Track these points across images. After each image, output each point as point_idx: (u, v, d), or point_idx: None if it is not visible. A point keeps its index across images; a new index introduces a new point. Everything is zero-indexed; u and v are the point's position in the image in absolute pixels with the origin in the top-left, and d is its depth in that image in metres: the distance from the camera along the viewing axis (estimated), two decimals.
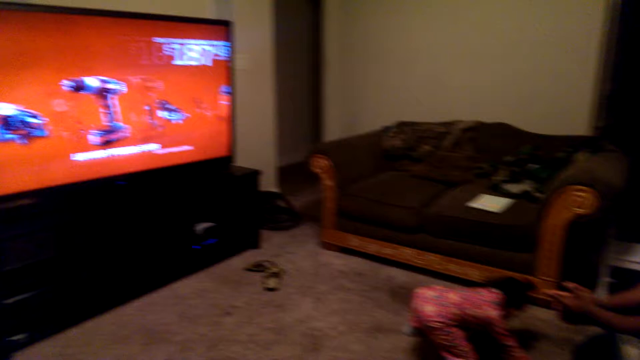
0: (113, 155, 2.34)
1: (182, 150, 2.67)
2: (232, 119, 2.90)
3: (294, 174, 5.03)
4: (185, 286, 2.58)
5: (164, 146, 2.57)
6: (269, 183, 3.98)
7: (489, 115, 3.34)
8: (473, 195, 2.60)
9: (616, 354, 1.18)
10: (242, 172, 2.97)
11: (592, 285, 2.35)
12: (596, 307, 1.38)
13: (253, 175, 2.98)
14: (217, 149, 2.87)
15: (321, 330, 2.14)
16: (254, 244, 3.09)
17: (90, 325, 2.21)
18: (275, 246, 3.13)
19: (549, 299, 1.53)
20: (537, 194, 2.42)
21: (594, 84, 3.11)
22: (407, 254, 2.68)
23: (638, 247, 2.46)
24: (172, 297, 2.47)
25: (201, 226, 2.73)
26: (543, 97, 3.26)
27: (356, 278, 2.66)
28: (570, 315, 1.42)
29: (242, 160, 3.21)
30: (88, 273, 2.24)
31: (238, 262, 2.89)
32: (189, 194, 2.67)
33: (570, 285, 1.49)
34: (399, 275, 2.66)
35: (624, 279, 2.25)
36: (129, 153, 2.41)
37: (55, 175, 2.14)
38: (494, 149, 3.09)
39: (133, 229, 2.40)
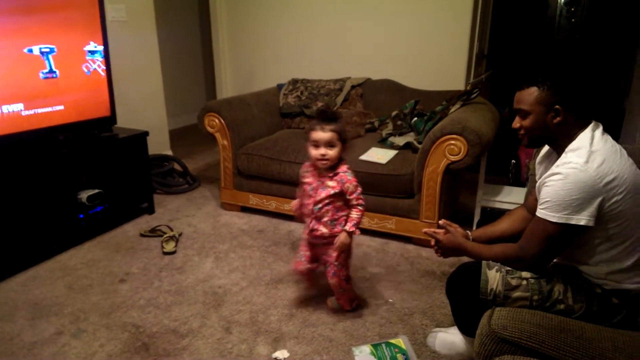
0: None
1: (52, 111, 2.43)
2: (109, 75, 2.69)
3: (190, 136, 4.87)
4: (73, 257, 2.43)
5: (29, 107, 2.31)
6: (162, 146, 3.81)
7: (376, 71, 3.49)
8: (363, 149, 2.73)
9: (479, 277, 1.36)
10: (128, 133, 2.80)
11: (467, 223, 2.65)
12: (465, 239, 1.57)
13: (140, 137, 2.82)
14: (94, 109, 2.65)
15: (223, 287, 2.17)
16: (148, 209, 2.97)
17: None
18: (172, 210, 3.05)
19: (425, 237, 1.69)
20: (418, 145, 2.62)
21: (469, 44, 3.38)
22: None
23: (504, 188, 2.81)
24: (59, 269, 2.31)
25: (85, 193, 2.55)
26: (424, 54, 3.48)
27: (257, 235, 2.70)
28: (444, 249, 1.59)
29: (130, 122, 3.02)
30: None
31: (132, 228, 2.77)
32: (68, 159, 2.46)
33: (442, 222, 1.66)
34: (299, 229, 2.76)
35: (492, 216, 2.57)
36: None
37: None
38: (381, 104, 3.27)
39: (6, 199, 2.18)
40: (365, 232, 2.64)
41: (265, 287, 2.16)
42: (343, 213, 1.82)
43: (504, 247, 1.43)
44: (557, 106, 1.30)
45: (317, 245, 1.88)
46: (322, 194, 1.77)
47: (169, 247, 2.49)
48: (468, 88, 3.26)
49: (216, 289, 2.15)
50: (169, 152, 3.89)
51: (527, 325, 1.14)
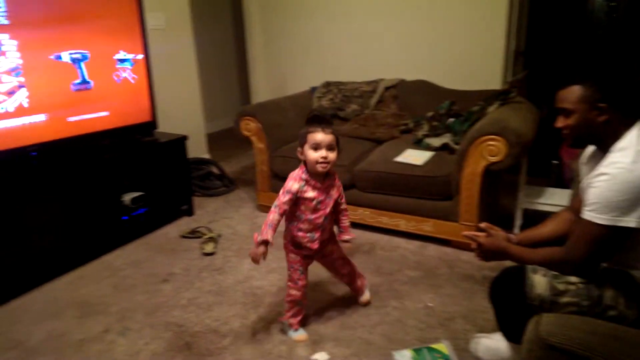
0: (23, 124, 2.18)
1: (97, 117, 2.53)
2: (150, 82, 2.77)
3: (226, 139, 4.95)
4: (118, 257, 2.52)
5: (76, 113, 2.41)
6: (199, 149, 3.89)
7: (410, 73, 3.46)
8: (398, 151, 2.71)
9: (524, 282, 1.33)
10: (168, 138, 2.88)
11: (508, 226, 2.59)
12: (508, 243, 1.53)
13: (180, 141, 2.90)
14: (137, 115, 2.74)
15: (262, 288, 2.20)
16: (188, 211, 3.04)
17: (17, 303, 2.12)
18: (210, 212, 3.11)
19: (465, 240, 1.66)
20: (455, 146, 2.58)
21: (505, 42, 3.31)
22: None
23: (546, 190, 2.73)
24: (105, 269, 2.40)
25: (129, 196, 2.64)
26: (459, 54, 3.42)
27: None
28: (486, 252, 1.55)
29: (169, 127, 3.10)
30: (9, 250, 2.11)
31: (172, 230, 2.85)
32: (112, 163, 2.56)
33: (483, 225, 1.62)
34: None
35: (534, 219, 2.50)
36: (38, 120, 2.25)
37: None
38: (415, 105, 3.23)
39: (54, 202, 2.28)
40: (402, 234, 2.63)
41: None
42: None
43: (549, 251, 1.39)
44: (601, 104, 1.26)
45: (318, 252, 1.83)
46: (330, 204, 1.73)
47: (209, 248, 2.54)
48: (506, 87, 3.19)
49: (255, 290, 2.18)
50: (207, 156, 3.97)
51: (577, 332, 1.10)
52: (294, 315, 1.86)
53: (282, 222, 1.76)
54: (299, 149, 1.69)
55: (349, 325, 1.90)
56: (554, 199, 2.59)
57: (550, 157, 3.29)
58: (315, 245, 1.77)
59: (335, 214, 1.82)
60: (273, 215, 1.67)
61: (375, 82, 3.39)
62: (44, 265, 2.27)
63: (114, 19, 2.54)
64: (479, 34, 3.31)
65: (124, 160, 2.62)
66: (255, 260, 1.67)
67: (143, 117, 2.78)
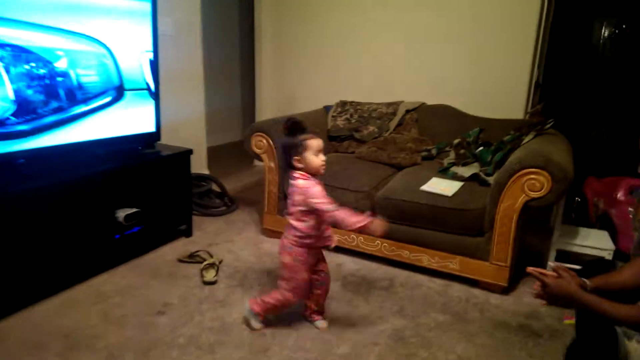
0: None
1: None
2: (156, 89, 2.54)
3: (225, 155, 4.71)
4: (108, 281, 2.23)
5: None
6: (199, 164, 3.64)
7: (429, 96, 3.30)
8: (422, 179, 2.50)
9: (617, 349, 1.10)
10: (171, 150, 2.63)
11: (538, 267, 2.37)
12: (581, 289, 1.30)
13: (184, 155, 2.65)
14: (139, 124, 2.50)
15: (271, 326, 1.93)
16: (187, 231, 2.77)
17: None
18: (210, 234, 2.84)
19: (531, 273, 1.42)
20: (486, 177, 2.39)
21: (530, 72, 3.18)
22: (356, 240, 2.54)
23: (579, 230, 2.53)
24: (93, 294, 2.11)
25: (123, 212, 2.36)
26: (483, 81, 3.28)
27: None
28: (552, 295, 1.32)
29: (169, 138, 2.86)
30: None
31: (169, 252, 2.57)
32: (108, 174, 2.28)
33: (554, 264, 1.40)
34: (348, 263, 2.52)
35: (569, 261, 2.29)
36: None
37: None
38: (437, 130, 3.06)
39: (40, 215, 2.00)
40: (423, 270, 2.40)
41: (317, 332, 1.91)
42: None
43: (636, 308, 1.16)
44: None
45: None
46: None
47: (209, 276, 2.28)
48: (534, 118, 3.03)
49: (263, 329, 1.91)
50: (206, 171, 3.72)
51: None
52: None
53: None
54: (295, 157, 1.72)
55: None
56: (590, 240, 2.39)
57: (572, 193, 3.12)
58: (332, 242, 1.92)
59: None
60: (339, 210, 1.66)
61: (396, 104, 3.21)
62: (26, 288, 1.97)
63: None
64: (506, 63, 3.19)
65: (121, 173, 2.35)
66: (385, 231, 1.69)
67: (146, 127, 2.53)
